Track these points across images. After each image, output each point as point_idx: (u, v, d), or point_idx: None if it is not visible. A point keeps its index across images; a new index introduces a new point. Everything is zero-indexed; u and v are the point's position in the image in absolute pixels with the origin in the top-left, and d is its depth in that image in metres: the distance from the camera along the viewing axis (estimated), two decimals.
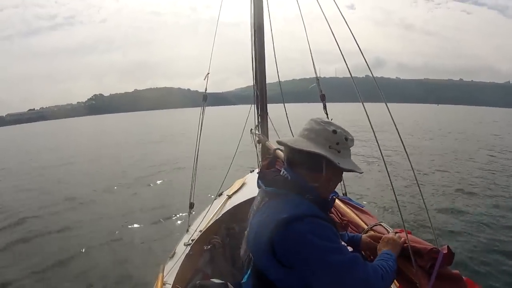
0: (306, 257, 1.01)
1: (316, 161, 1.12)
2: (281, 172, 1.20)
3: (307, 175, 1.15)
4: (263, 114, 3.09)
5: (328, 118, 2.89)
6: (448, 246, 1.16)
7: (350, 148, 1.20)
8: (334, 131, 1.15)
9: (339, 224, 1.81)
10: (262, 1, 2.71)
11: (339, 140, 1.15)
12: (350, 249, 1.36)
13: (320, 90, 3.13)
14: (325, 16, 2.00)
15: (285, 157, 1.23)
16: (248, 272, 1.21)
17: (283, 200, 1.11)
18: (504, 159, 11.53)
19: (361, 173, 1.20)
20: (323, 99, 3.14)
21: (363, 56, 1.68)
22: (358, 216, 1.76)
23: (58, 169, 12.67)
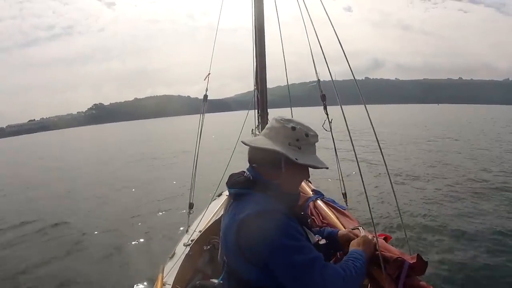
0: (268, 255, 1.02)
1: (274, 158, 1.13)
2: (245, 173, 1.20)
3: (268, 173, 1.16)
4: (263, 114, 3.11)
5: (328, 119, 2.94)
6: (418, 255, 1.13)
7: (316, 144, 1.21)
8: (293, 128, 1.15)
9: (319, 226, 1.81)
10: (263, 4, 2.77)
11: (299, 136, 1.15)
12: (323, 241, 1.31)
13: (320, 90, 3.15)
14: (311, 20, 2.04)
15: (248, 157, 1.23)
16: (223, 274, 1.23)
17: (246, 200, 1.11)
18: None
19: (326, 168, 1.19)
20: (323, 99, 3.16)
21: (346, 59, 1.70)
22: (338, 219, 1.80)
23: (63, 172, 12.82)
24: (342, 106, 1.64)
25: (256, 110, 3.12)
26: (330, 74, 1.77)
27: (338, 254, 1.67)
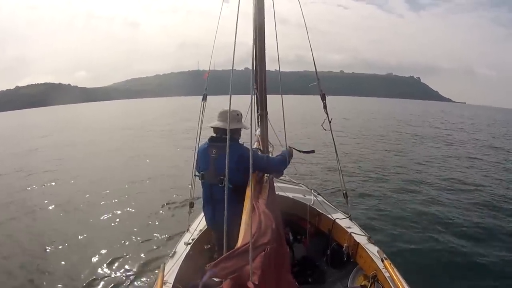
0: None
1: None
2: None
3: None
4: (262, 114, 3.10)
5: (328, 119, 2.95)
6: None
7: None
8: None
9: None
10: (263, 4, 2.74)
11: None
12: None
13: (320, 90, 3.15)
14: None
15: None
16: None
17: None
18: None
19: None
20: (323, 98, 3.16)
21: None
22: None
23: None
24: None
25: (256, 111, 3.12)
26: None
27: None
